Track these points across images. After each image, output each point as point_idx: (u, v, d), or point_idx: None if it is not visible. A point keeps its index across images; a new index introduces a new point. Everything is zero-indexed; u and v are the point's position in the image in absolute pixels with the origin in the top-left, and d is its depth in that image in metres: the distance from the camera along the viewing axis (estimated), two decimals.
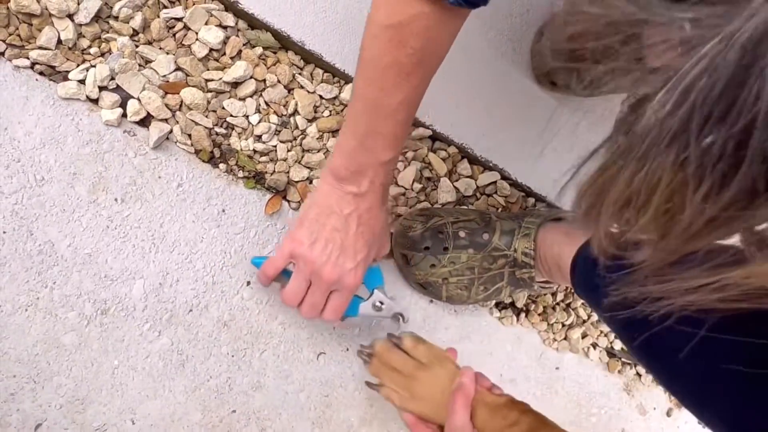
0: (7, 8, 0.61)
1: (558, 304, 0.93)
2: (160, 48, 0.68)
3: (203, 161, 0.70)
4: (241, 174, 0.72)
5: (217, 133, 0.71)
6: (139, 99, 0.67)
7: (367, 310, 0.69)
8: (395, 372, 0.68)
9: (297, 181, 0.75)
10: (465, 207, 0.85)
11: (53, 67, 0.64)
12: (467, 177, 0.85)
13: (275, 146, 0.74)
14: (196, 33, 0.69)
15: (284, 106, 0.74)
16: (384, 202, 0.65)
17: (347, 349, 0.76)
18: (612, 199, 0.34)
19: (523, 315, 0.90)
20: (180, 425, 0.66)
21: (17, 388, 0.60)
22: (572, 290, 0.93)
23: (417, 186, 0.81)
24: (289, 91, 0.74)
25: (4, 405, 0.59)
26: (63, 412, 0.61)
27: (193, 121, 0.69)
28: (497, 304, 0.88)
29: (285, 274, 0.66)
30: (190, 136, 0.69)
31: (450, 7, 0.51)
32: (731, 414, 0.46)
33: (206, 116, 0.70)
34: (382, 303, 0.69)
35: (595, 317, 0.96)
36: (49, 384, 0.61)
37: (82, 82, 0.65)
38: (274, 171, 0.74)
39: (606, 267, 0.41)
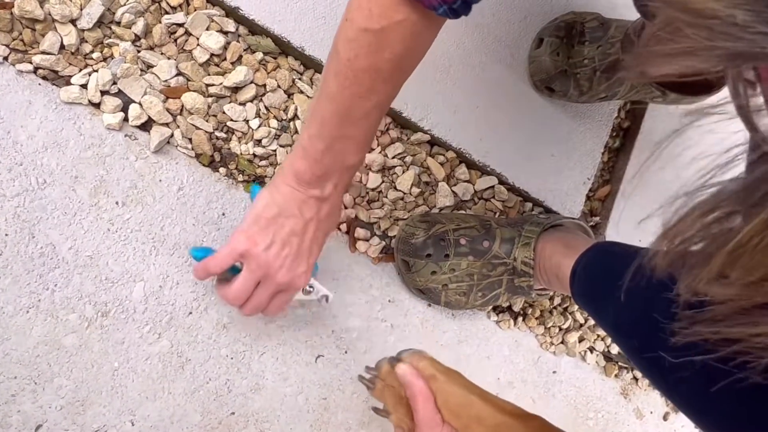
0: (11, 13, 0.62)
1: (555, 308, 0.93)
2: (162, 53, 0.69)
3: (203, 165, 0.71)
4: (241, 178, 0.73)
5: (217, 138, 0.71)
6: (140, 103, 0.67)
7: (299, 295, 0.67)
8: (400, 395, 0.61)
9: None
10: (464, 212, 0.85)
11: (56, 72, 0.65)
12: (465, 181, 0.85)
13: (275, 150, 0.74)
14: (198, 38, 0.70)
15: (284, 110, 0.75)
16: (342, 203, 0.64)
17: (345, 352, 0.77)
18: None
19: (520, 319, 0.91)
20: (179, 427, 0.66)
21: (18, 389, 0.60)
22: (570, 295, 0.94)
23: (415, 190, 0.81)
24: (289, 96, 0.75)
25: (5, 406, 0.60)
26: (63, 413, 0.62)
27: (193, 125, 0.70)
28: (495, 308, 0.89)
29: (229, 269, 0.63)
30: (190, 140, 0.70)
31: (434, 16, 0.50)
32: None
33: (207, 120, 0.71)
34: (311, 287, 0.67)
35: (592, 321, 0.96)
36: (49, 385, 0.62)
37: (84, 86, 0.65)
38: (276, 171, 0.74)
39: (684, 304, 0.36)
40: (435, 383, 0.59)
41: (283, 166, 0.60)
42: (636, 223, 0.98)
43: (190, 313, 0.68)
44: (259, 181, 0.74)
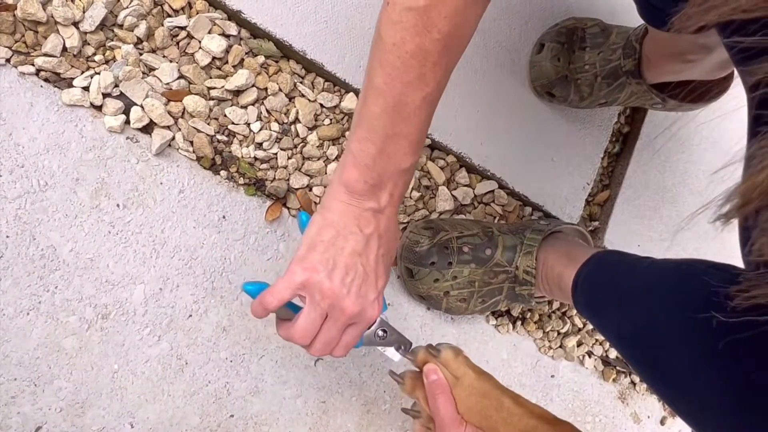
0: (14, 15, 0.62)
1: (554, 312, 0.93)
2: (164, 56, 0.69)
3: (204, 168, 0.71)
4: (241, 181, 0.73)
5: (218, 141, 0.72)
6: (142, 106, 0.68)
7: (371, 339, 0.62)
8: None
9: (297, 189, 0.75)
10: (466, 219, 0.86)
11: (58, 74, 0.65)
12: (465, 186, 0.86)
13: (276, 154, 0.74)
14: (200, 41, 0.70)
15: (285, 114, 0.75)
16: (397, 216, 0.59)
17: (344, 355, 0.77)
18: None
19: (519, 323, 0.91)
20: (178, 429, 0.67)
21: (18, 391, 0.61)
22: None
23: (415, 194, 0.82)
24: (290, 100, 0.75)
25: (5, 408, 0.60)
26: (63, 415, 0.62)
27: (195, 128, 0.70)
28: (493, 312, 0.89)
29: (289, 306, 0.57)
30: (191, 143, 0.70)
31: None
32: None
33: (208, 124, 0.71)
34: (385, 331, 0.62)
35: (590, 326, 0.97)
36: (49, 387, 0.62)
37: (86, 88, 0.66)
38: (275, 178, 0.74)
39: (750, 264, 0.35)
40: (466, 381, 0.59)
41: (332, 181, 0.56)
42: (635, 228, 0.98)
43: (190, 315, 0.68)
44: (259, 186, 0.74)
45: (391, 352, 0.64)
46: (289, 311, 0.57)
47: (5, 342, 0.60)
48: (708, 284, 0.51)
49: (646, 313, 0.56)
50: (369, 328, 0.61)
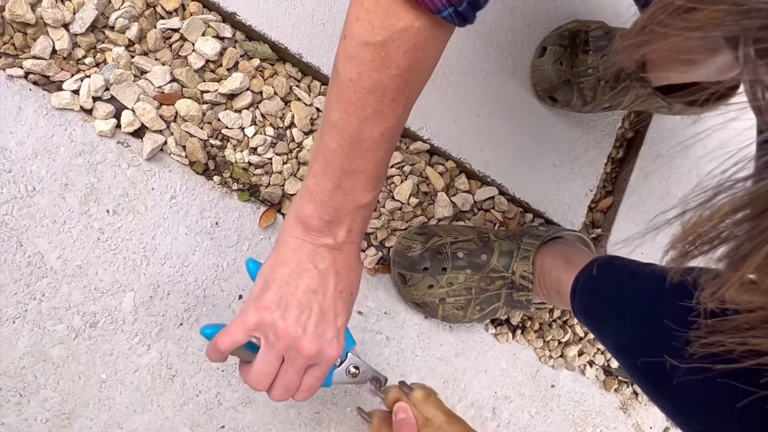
0: (2, 17, 0.61)
1: (554, 321, 0.92)
2: (156, 59, 0.68)
3: (197, 173, 0.70)
4: (235, 186, 0.71)
5: (211, 145, 0.70)
6: (133, 110, 0.66)
7: (342, 378, 0.60)
8: None
9: (292, 194, 0.74)
10: (463, 224, 0.84)
11: (47, 77, 0.63)
12: (465, 192, 0.84)
13: (271, 159, 0.73)
14: (193, 44, 0.69)
15: (281, 118, 0.73)
16: (359, 253, 0.57)
17: (339, 365, 0.75)
18: None
19: (518, 332, 0.89)
20: None
21: (3, 401, 0.59)
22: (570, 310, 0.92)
23: (414, 200, 0.80)
24: (285, 104, 0.74)
25: None
26: (49, 426, 0.61)
27: (187, 132, 0.69)
28: (493, 321, 0.87)
29: (247, 347, 0.54)
30: (184, 147, 0.69)
31: (441, 22, 0.46)
32: None
33: (201, 128, 0.69)
34: (357, 368, 0.59)
35: (591, 335, 0.95)
36: (35, 397, 0.60)
37: (76, 92, 0.64)
38: (269, 184, 0.73)
39: (704, 312, 0.34)
40: (436, 423, 0.57)
41: (288, 216, 0.54)
42: (638, 235, 0.96)
43: (181, 324, 0.67)
44: (253, 191, 0.72)
45: (367, 390, 0.62)
46: (250, 354, 0.54)
47: None
48: None
49: (647, 322, 0.55)
50: (337, 366, 0.59)
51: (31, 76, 0.63)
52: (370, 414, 0.60)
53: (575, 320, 0.93)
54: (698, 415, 0.50)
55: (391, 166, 0.79)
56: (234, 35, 0.71)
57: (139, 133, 0.67)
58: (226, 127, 0.70)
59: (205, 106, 0.69)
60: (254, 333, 0.52)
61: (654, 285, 0.58)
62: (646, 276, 0.59)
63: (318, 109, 0.75)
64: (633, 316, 0.58)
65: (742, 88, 0.30)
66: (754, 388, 0.36)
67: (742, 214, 0.27)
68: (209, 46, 0.68)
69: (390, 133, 0.50)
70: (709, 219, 0.29)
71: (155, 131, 0.67)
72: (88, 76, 0.64)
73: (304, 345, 0.51)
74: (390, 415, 0.58)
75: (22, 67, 0.62)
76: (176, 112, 0.68)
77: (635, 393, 1.00)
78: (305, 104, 0.74)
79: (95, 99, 0.65)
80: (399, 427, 0.57)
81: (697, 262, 0.31)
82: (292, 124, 0.74)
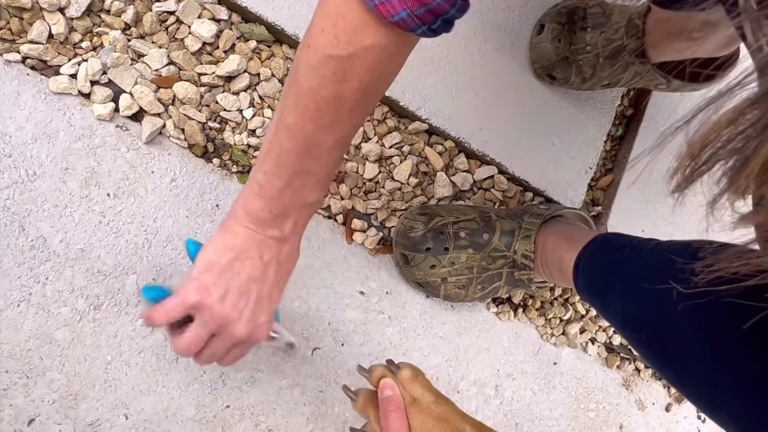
0: None
1: (556, 299, 0.92)
2: (153, 42, 0.68)
3: (197, 156, 0.70)
4: (235, 169, 0.72)
5: (210, 128, 0.70)
6: (131, 93, 0.66)
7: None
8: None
9: None
10: (464, 203, 0.84)
11: (45, 62, 0.63)
12: (464, 171, 0.84)
13: None
14: (189, 26, 0.69)
15: (279, 100, 0.73)
16: (300, 243, 0.58)
17: (342, 344, 0.76)
18: None
19: (520, 310, 0.90)
20: (174, 420, 0.66)
21: (10, 383, 0.60)
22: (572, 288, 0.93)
23: (413, 181, 0.80)
24: (283, 85, 0.74)
25: None
26: (56, 407, 0.61)
27: (186, 115, 0.69)
28: (494, 300, 0.88)
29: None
30: (183, 130, 0.69)
31: (409, 37, 0.46)
32: None
33: (199, 110, 0.69)
34: (276, 332, 0.60)
35: (593, 312, 0.95)
36: (41, 379, 0.61)
37: (73, 76, 0.64)
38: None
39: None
40: (424, 403, 0.56)
41: (235, 205, 0.55)
42: (638, 213, 0.96)
43: None
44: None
45: (280, 354, 0.65)
46: (181, 327, 0.55)
47: None
48: None
49: (652, 296, 0.55)
50: None
51: (28, 61, 0.63)
52: (355, 392, 0.59)
53: (576, 298, 0.94)
54: (705, 386, 0.50)
55: (390, 147, 0.79)
56: (230, 17, 0.71)
57: (138, 116, 0.67)
58: (225, 110, 0.70)
59: (203, 89, 0.69)
60: (191, 312, 0.53)
61: (657, 258, 0.58)
62: (649, 250, 0.60)
63: None
64: (638, 290, 0.58)
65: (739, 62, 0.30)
66: (759, 303, 0.37)
67: (750, 116, 0.27)
68: (205, 29, 0.68)
69: (344, 140, 0.51)
70: (714, 127, 0.29)
71: (153, 114, 0.67)
72: (86, 60, 0.65)
73: (237, 328, 0.54)
74: (375, 394, 0.58)
75: (19, 52, 0.62)
76: (174, 95, 0.68)
77: (637, 370, 1.00)
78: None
79: (93, 83, 0.65)
80: (386, 404, 0.56)
81: (699, 186, 0.31)
82: None
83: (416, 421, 0.55)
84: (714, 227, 0.34)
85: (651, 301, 0.55)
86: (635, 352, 0.98)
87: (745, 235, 0.34)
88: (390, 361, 0.60)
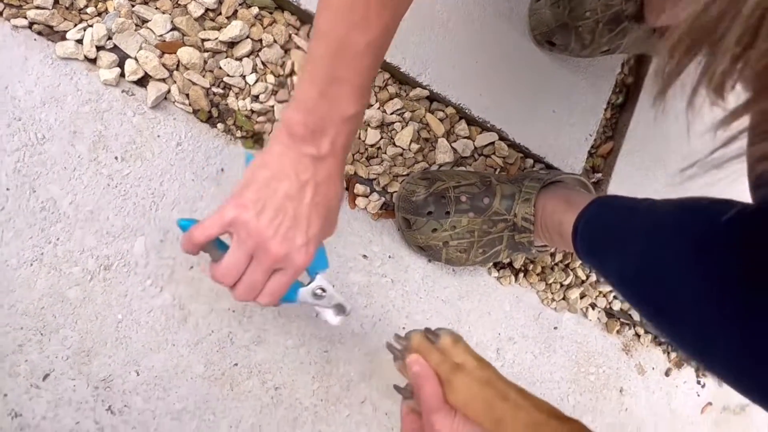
0: None
1: (557, 264, 0.93)
2: (156, 8, 0.69)
3: (201, 121, 0.71)
4: (239, 134, 0.73)
5: (214, 93, 0.71)
6: (136, 59, 0.67)
7: (307, 297, 0.61)
8: None
9: None
10: (465, 169, 0.85)
11: (51, 27, 0.65)
12: (465, 138, 0.85)
13: (272, 107, 0.74)
14: None
15: (281, 66, 0.74)
16: (343, 169, 0.58)
17: (306, 284, 0.77)
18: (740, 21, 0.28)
19: (521, 275, 0.91)
20: (183, 377, 0.68)
21: (25, 339, 0.62)
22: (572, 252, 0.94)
23: (414, 147, 0.81)
24: (285, 52, 0.75)
25: (13, 356, 0.61)
26: (70, 363, 0.63)
27: (190, 80, 0.70)
28: (495, 264, 0.89)
29: (219, 246, 0.57)
30: (187, 95, 0.70)
31: None
32: None
33: (203, 76, 0.70)
34: (324, 290, 0.60)
35: (593, 278, 0.97)
36: (55, 336, 0.63)
37: (79, 41, 0.65)
38: (272, 131, 0.74)
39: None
40: (468, 368, 0.55)
41: (276, 126, 0.56)
42: (638, 180, 0.97)
43: (191, 267, 0.69)
44: (257, 138, 0.74)
45: (329, 315, 0.63)
46: (221, 253, 0.56)
47: (10, 292, 0.61)
48: (711, 215, 0.51)
49: (649, 251, 0.56)
50: (305, 285, 0.60)
51: (35, 27, 0.64)
52: (400, 351, 0.58)
53: (577, 263, 0.95)
54: (704, 334, 0.51)
55: (392, 113, 0.80)
56: None
57: (143, 81, 0.68)
58: (228, 75, 0.71)
59: (206, 54, 0.70)
60: (228, 229, 0.54)
61: (654, 215, 0.60)
62: (645, 208, 0.61)
63: None
64: (635, 248, 0.59)
65: None
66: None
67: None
68: None
69: (376, 44, 0.51)
70: (688, 18, 0.30)
71: (158, 80, 0.69)
72: (91, 26, 0.66)
73: (273, 246, 0.53)
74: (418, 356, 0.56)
75: (26, 18, 0.63)
76: (178, 61, 0.69)
77: (637, 335, 1.02)
78: (305, 52, 0.75)
79: (98, 48, 0.66)
80: (416, 379, 0.55)
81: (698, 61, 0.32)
82: (292, 72, 0.75)
83: (461, 386, 0.54)
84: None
85: (649, 258, 0.56)
86: (633, 309, 0.99)
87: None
88: (427, 329, 0.58)
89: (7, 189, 0.62)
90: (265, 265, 0.54)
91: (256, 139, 0.74)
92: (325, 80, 0.51)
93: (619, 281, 0.62)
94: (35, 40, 0.64)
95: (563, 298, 0.94)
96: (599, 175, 0.97)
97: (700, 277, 0.50)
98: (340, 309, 0.62)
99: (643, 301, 0.58)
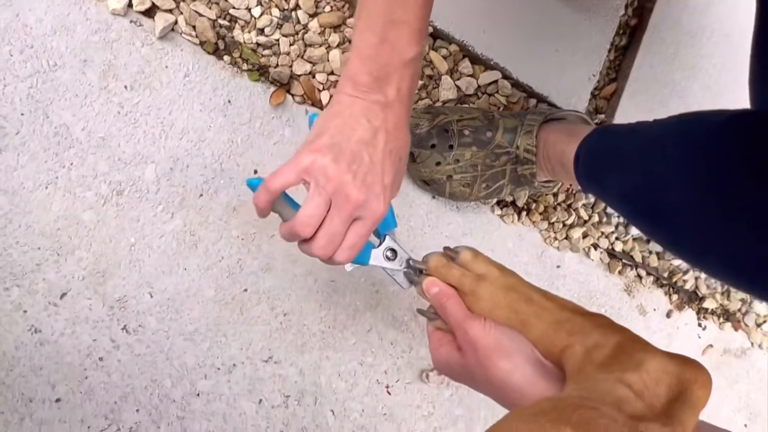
0: None
1: (559, 204, 0.95)
2: None
3: (208, 53, 0.72)
4: (245, 66, 0.74)
5: (220, 25, 0.73)
6: None
7: (379, 260, 0.59)
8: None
9: (299, 75, 0.77)
10: (468, 105, 0.86)
11: None
12: (468, 76, 0.86)
13: (278, 40, 0.75)
14: None
15: (286, 0, 0.75)
16: (409, 117, 0.57)
17: (376, 246, 0.79)
18: None
19: (524, 213, 0.92)
20: (195, 300, 0.70)
21: (42, 259, 0.64)
22: (573, 191, 0.95)
23: (418, 83, 0.82)
24: None
25: (31, 274, 0.64)
26: (85, 283, 0.66)
27: (196, 12, 0.71)
28: (498, 202, 0.91)
29: (291, 204, 0.56)
30: (194, 27, 0.71)
31: None
32: None
33: (209, 8, 0.72)
34: (394, 252, 0.59)
35: (596, 218, 0.98)
36: (71, 257, 0.65)
37: None
38: (278, 64, 0.76)
39: None
40: (491, 277, 0.55)
41: (340, 78, 0.55)
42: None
43: (201, 195, 0.71)
44: (262, 71, 0.75)
45: (400, 278, 0.61)
46: (292, 210, 0.55)
47: (27, 213, 0.64)
48: (709, 123, 0.53)
49: (648, 164, 0.58)
50: (375, 247, 0.59)
51: None
52: (420, 270, 0.58)
53: (579, 203, 0.96)
54: (701, 237, 0.53)
55: None
56: None
57: (151, 12, 0.70)
58: (234, 8, 0.73)
59: None
60: (305, 176, 0.52)
61: (651, 131, 0.61)
62: (644, 128, 0.62)
63: None
64: (634, 165, 0.60)
65: None
66: None
67: None
68: None
69: None
70: None
71: (165, 10, 0.70)
72: None
73: (352, 191, 0.52)
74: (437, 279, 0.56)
75: None
76: None
77: (639, 276, 1.03)
78: None
79: None
80: (437, 299, 0.55)
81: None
82: (297, 6, 0.76)
83: (485, 294, 0.54)
84: None
85: (648, 169, 0.58)
86: (634, 225, 0.99)
87: None
88: (446, 248, 0.58)
89: (22, 114, 0.64)
90: (345, 213, 0.53)
91: (261, 72, 0.75)
92: (382, 25, 0.51)
93: (619, 201, 0.64)
94: None
95: (566, 238, 0.96)
96: (602, 116, 0.98)
97: (701, 186, 0.51)
98: (411, 273, 0.60)
99: (643, 214, 0.60)
